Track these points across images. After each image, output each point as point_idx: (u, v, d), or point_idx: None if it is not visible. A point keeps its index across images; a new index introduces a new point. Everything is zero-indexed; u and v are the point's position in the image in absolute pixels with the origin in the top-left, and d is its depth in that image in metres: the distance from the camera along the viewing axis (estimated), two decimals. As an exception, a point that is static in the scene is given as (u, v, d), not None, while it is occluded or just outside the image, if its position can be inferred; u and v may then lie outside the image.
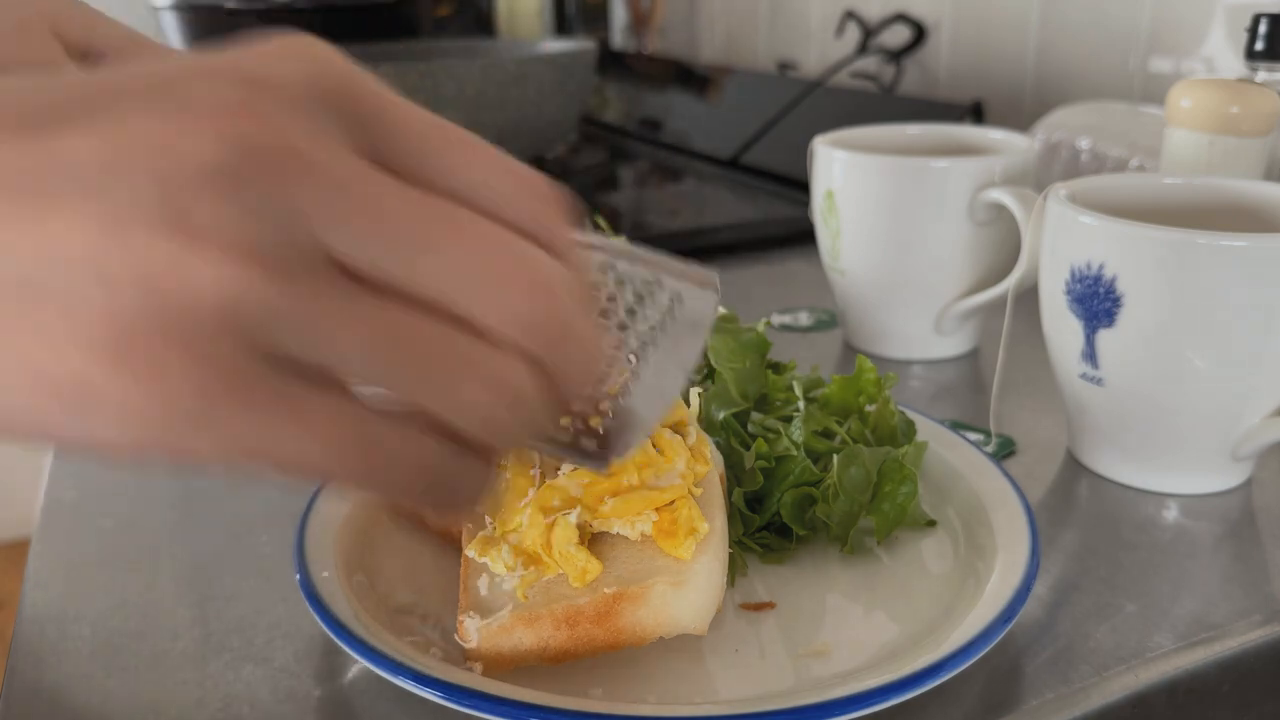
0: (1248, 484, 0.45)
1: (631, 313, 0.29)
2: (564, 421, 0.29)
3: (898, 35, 1.10)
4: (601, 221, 0.57)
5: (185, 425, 0.20)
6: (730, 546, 0.35)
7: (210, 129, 0.19)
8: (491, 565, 0.33)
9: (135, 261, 0.19)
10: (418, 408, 0.22)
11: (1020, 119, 0.96)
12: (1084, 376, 0.44)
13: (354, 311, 0.21)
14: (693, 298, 0.28)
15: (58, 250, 0.19)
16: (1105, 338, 0.42)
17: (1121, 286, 0.40)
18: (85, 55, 0.23)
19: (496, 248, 0.22)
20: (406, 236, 0.21)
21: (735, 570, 0.37)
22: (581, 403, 0.27)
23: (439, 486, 0.23)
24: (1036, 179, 0.57)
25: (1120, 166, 0.68)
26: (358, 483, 0.22)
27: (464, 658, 0.31)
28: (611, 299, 0.29)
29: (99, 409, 0.20)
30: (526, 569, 0.32)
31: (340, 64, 0.22)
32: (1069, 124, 0.74)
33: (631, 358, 0.29)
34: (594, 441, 0.29)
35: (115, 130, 0.19)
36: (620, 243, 0.29)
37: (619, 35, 1.72)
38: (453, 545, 0.39)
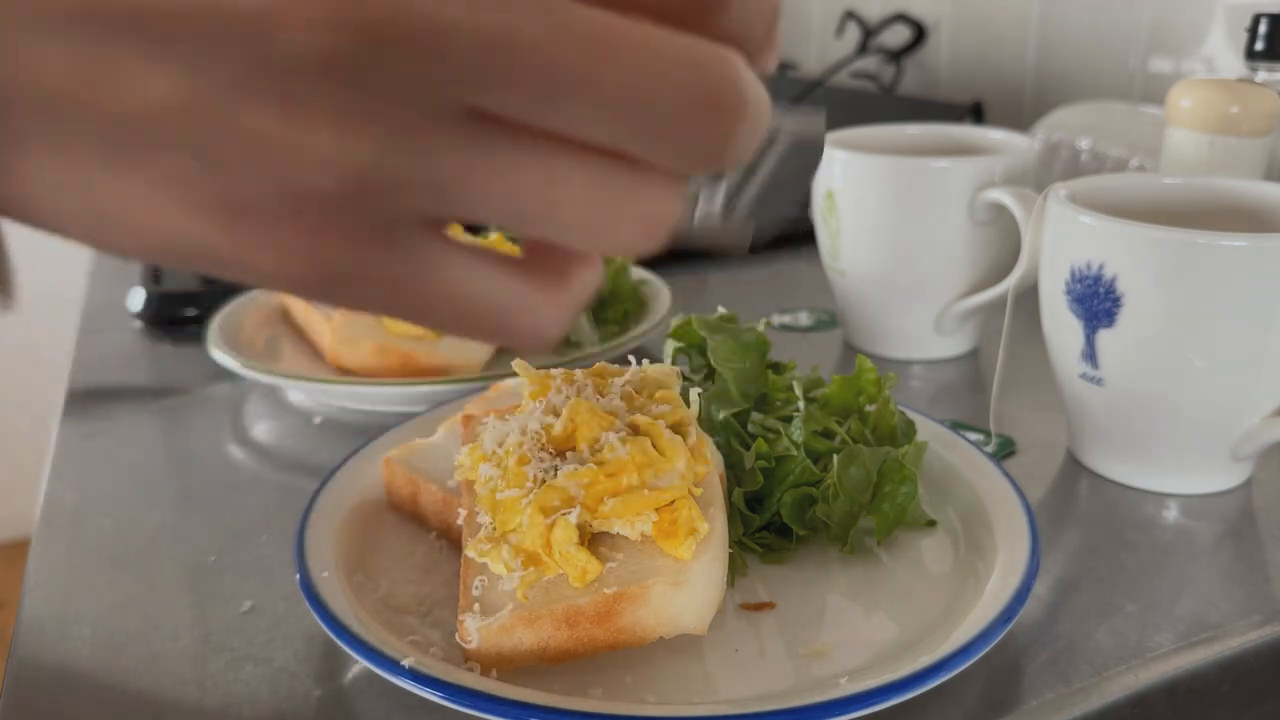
0: (1248, 484, 0.45)
1: None
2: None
3: (898, 35, 1.10)
4: None
5: (310, 289, 0.19)
6: (730, 546, 0.35)
7: None
8: (491, 565, 0.33)
9: (243, 138, 0.17)
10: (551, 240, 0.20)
11: (1020, 119, 0.96)
12: (1084, 376, 0.44)
13: (495, 165, 0.18)
14: (802, 122, 0.28)
15: (157, 118, 0.17)
16: (1105, 338, 0.42)
17: (1121, 286, 0.40)
18: None
19: (671, 54, 0.18)
20: (556, 72, 0.17)
21: (735, 570, 0.37)
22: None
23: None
24: (1036, 179, 0.57)
25: (1120, 166, 0.68)
26: (466, 334, 0.21)
27: (464, 658, 0.31)
28: None
29: (217, 267, 0.19)
30: (526, 569, 0.32)
31: None
32: (1069, 124, 0.74)
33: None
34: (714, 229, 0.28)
35: (214, 4, 0.17)
36: None
37: (619, 35, 1.72)
38: (453, 545, 0.39)
